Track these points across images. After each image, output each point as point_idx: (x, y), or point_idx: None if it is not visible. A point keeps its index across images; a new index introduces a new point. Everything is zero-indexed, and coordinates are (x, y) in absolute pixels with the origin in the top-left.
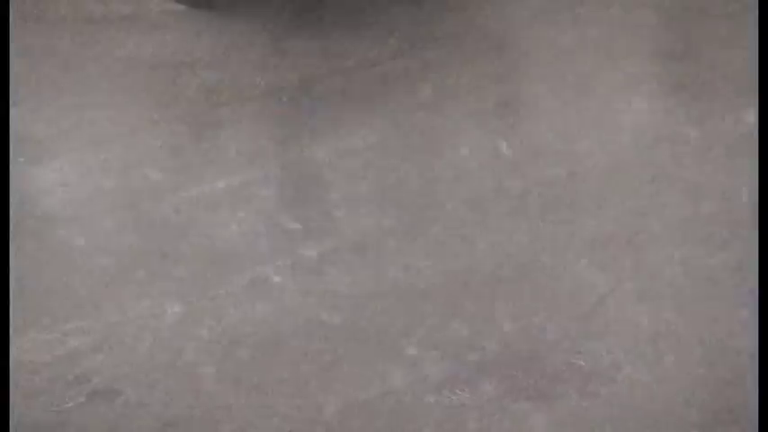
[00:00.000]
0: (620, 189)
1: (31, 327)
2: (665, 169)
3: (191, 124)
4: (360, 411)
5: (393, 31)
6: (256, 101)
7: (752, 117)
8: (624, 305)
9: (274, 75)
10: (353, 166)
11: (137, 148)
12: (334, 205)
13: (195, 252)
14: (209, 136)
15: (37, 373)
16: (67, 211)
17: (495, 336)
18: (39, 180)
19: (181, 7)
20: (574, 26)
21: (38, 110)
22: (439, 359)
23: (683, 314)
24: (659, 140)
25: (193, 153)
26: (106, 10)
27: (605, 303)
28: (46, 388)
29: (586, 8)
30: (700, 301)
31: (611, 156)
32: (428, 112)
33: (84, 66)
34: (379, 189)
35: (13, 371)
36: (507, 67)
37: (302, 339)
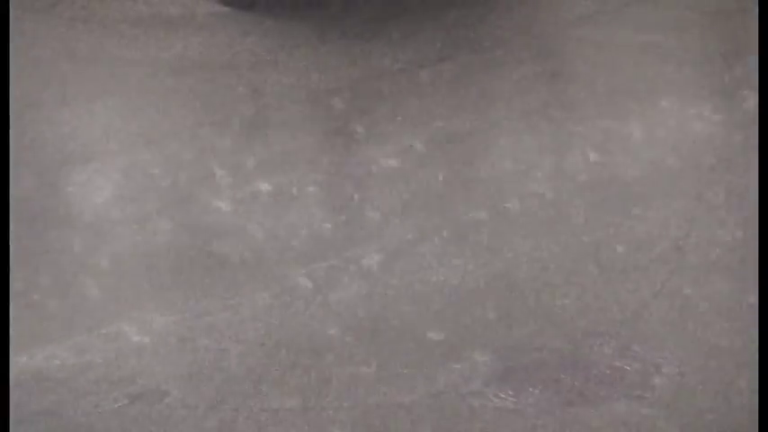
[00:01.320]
0: (666, 192)
1: (74, 328)
2: (711, 172)
3: (237, 126)
4: (405, 413)
5: (439, 34)
6: (302, 103)
7: None
8: (669, 310)
9: (320, 77)
10: (399, 168)
11: (183, 149)
12: (379, 208)
13: (241, 253)
14: (255, 138)
15: (82, 374)
16: (114, 212)
17: (539, 339)
18: (85, 181)
19: (227, 9)
20: (620, 28)
21: (85, 111)
22: (483, 363)
23: (729, 319)
24: (705, 143)
25: (239, 155)
26: (154, 12)
27: (650, 307)
28: (91, 389)
29: (632, 10)
30: (745, 307)
31: (657, 159)
32: (473, 115)
33: (132, 68)
34: (424, 192)
35: (57, 373)
36: (553, 69)
37: (346, 342)
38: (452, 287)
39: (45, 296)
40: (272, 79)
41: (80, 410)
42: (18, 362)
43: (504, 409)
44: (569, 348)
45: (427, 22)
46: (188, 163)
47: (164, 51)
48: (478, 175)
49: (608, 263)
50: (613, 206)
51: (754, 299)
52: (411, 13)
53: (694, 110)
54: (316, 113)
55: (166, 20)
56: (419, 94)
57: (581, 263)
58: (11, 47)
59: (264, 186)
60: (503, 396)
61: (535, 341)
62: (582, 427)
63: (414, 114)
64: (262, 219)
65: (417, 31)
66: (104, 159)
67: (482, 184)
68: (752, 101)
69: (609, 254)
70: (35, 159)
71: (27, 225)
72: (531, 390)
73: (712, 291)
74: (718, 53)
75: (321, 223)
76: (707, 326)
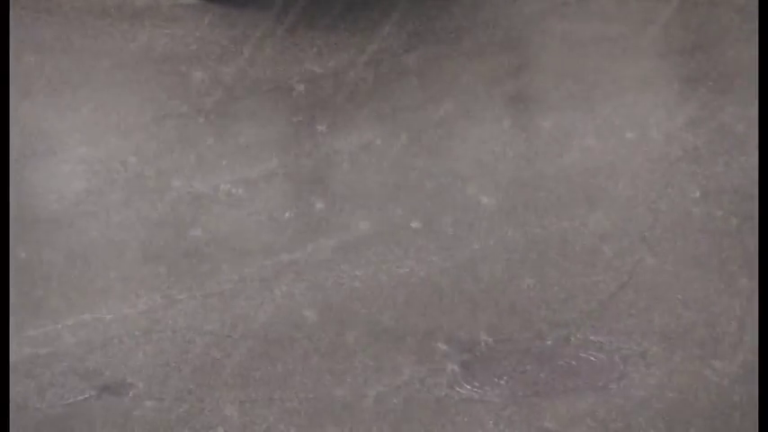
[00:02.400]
0: (632, 183)
1: (40, 320)
2: (677, 163)
3: (204, 118)
4: (371, 404)
5: (405, 26)
6: (269, 94)
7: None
8: (635, 301)
9: (287, 68)
10: (366, 158)
11: (150, 140)
12: (347, 198)
13: (206, 245)
14: (222, 129)
15: (48, 366)
16: (79, 204)
17: (505, 331)
18: (51, 173)
19: (193, 0)
20: (585, 20)
21: (51, 103)
22: (450, 353)
23: (695, 310)
24: (671, 135)
25: (206, 146)
26: (120, 3)
27: (617, 298)
28: (57, 381)
29: (597, 2)
30: (711, 297)
31: (623, 150)
32: (440, 105)
33: (98, 59)
34: (391, 181)
35: (23, 364)
36: (519, 61)
37: (313, 333)
38: (418, 278)
39: (11, 288)
40: (238, 71)
41: (46, 403)
42: None
43: (469, 400)
44: (535, 340)
45: (393, 13)
46: (153, 155)
47: (129, 42)
48: (444, 166)
49: (574, 254)
50: (579, 197)
51: (720, 288)
52: (377, 5)
53: (660, 101)
54: (282, 105)
55: (132, 11)
56: (385, 86)
57: (547, 254)
58: None
59: (230, 177)
60: (468, 387)
61: (501, 332)
62: (548, 417)
63: (380, 106)
64: (226, 210)
65: (383, 22)
66: (69, 151)
67: (448, 175)
68: (717, 91)
69: (575, 245)
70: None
71: None
72: (496, 381)
73: (678, 282)
74: (684, 45)
75: (287, 214)
76: (673, 317)
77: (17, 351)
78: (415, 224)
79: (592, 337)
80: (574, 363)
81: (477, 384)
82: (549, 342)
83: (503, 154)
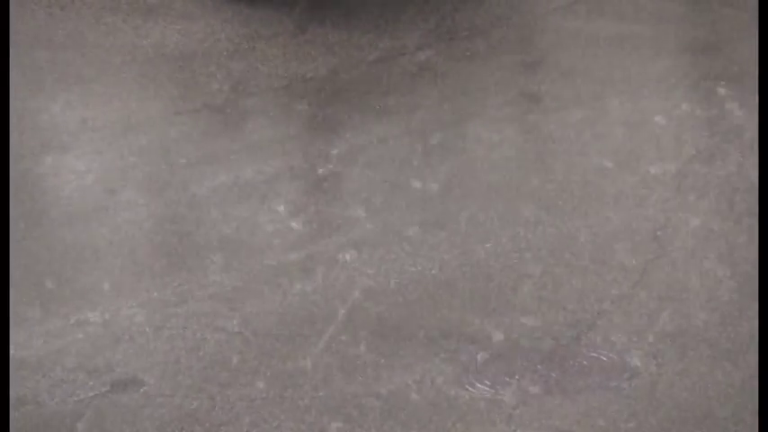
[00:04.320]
0: (644, 183)
1: (50, 315)
2: (690, 162)
3: (215, 114)
4: (382, 403)
5: (418, 24)
6: (281, 91)
7: None
8: (647, 300)
9: (299, 65)
10: (378, 156)
11: (161, 138)
12: (358, 197)
13: (219, 242)
14: (234, 126)
15: (58, 362)
16: (91, 200)
17: (517, 330)
18: (63, 169)
19: None
20: (598, 19)
21: (63, 99)
22: (461, 352)
23: (707, 310)
24: (684, 134)
25: (218, 143)
26: None
27: (628, 298)
28: (67, 378)
29: (610, 0)
30: (723, 297)
31: (635, 149)
32: (452, 104)
33: (110, 55)
34: (401, 182)
35: (33, 360)
36: (531, 59)
37: (323, 330)
38: (430, 277)
39: (20, 283)
40: (250, 68)
41: (56, 399)
42: None
43: (481, 399)
44: (547, 339)
45: (405, 11)
46: (165, 151)
47: (142, 39)
48: (456, 165)
49: (586, 253)
50: (591, 196)
51: (732, 289)
52: (390, 2)
53: (673, 100)
54: (293, 102)
55: (145, 7)
56: (397, 84)
57: (559, 253)
58: None
59: (242, 174)
60: (480, 386)
61: (512, 331)
62: (559, 417)
63: (391, 104)
64: (237, 206)
65: (395, 20)
66: (80, 147)
67: (460, 174)
68: (730, 90)
69: (587, 244)
70: (12, 148)
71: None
72: (508, 380)
73: (690, 281)
74: (697, 44)
75: (298, 212)
76: (684, 317)
77: (27, 347)
78: (426, 223)
79: (603, 337)
80: (585, 362)
81: (488, 383)
82: (560, 341)
83: (514, 152)
